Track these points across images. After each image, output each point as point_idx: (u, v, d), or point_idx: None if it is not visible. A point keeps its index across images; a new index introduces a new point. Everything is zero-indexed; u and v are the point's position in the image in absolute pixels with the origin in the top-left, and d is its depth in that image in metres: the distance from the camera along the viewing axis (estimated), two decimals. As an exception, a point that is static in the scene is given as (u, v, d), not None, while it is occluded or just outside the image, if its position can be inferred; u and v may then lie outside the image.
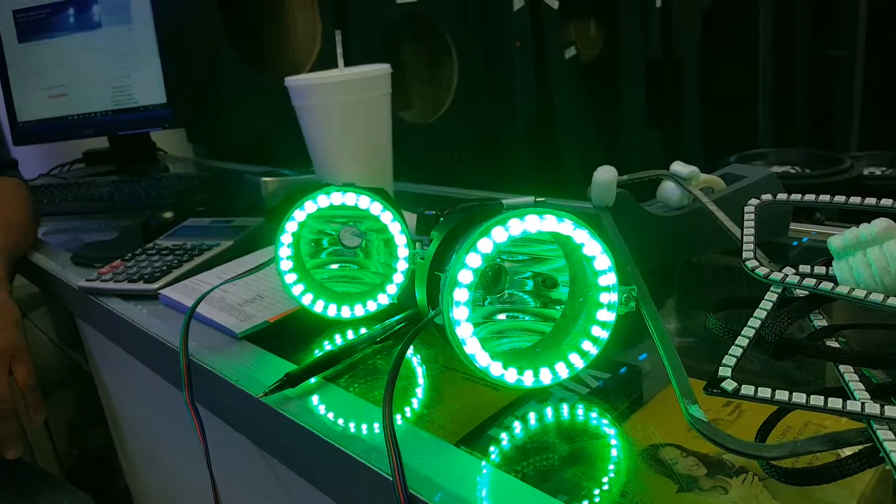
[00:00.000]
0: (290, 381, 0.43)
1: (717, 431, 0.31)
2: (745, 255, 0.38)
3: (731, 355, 0.33)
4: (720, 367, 0.33)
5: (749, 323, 0.35)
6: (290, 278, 0.51)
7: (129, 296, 0.64)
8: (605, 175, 0.50)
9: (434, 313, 0.40)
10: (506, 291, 0.44)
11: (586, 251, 0.39)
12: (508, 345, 0.44)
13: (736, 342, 0.34)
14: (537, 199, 0.72)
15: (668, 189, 0.55)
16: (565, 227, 0.38)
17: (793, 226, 0.60)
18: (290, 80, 0.74)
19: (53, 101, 1.24)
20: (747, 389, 0.31)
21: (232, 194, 0.90)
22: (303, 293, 0.51)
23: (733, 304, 0.39)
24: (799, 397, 0.30)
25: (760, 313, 0.35)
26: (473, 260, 0.38)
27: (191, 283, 0.62)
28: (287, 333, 0.53)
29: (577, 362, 0.40)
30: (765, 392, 0.31)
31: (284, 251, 0.51)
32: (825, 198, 0.41)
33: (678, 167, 0.54)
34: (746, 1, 2.19)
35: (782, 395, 0.31)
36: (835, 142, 2.21)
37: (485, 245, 0.38)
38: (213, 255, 0.68)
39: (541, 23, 1.83)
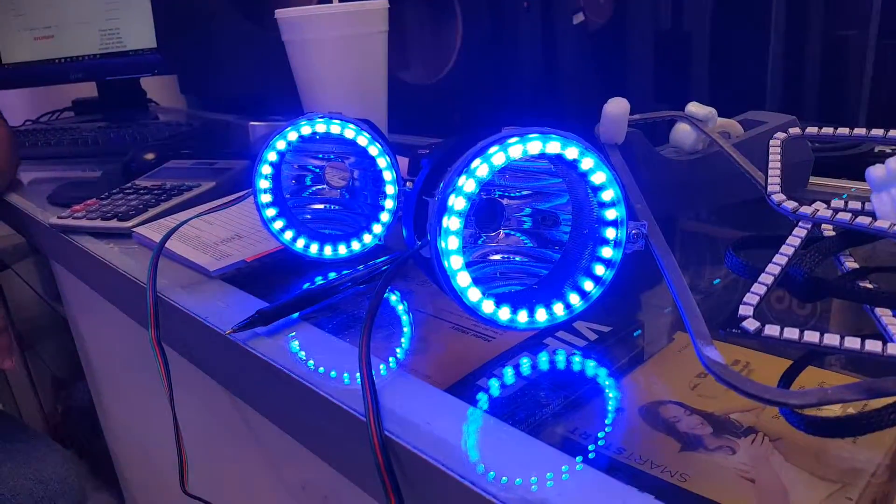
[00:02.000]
0: (262, 318, 0.39)
1: (737, 375, 0.27)
2: (770, 188, 0.34)
3: (753, 293, 0.30)
4: (741, 306, 0.30)
5: (774, 259, 0.31)
6: (270, 212, 0.47)
7: (102, 234, 0.61)
8: (616, 108, 0.45)
9: (421, 244, 0.36)
10: (502, 230, 0.40)
11: (592, 179, 0.35)
12: (503, 288, 0.40)
13: (759, 279, 0.30)
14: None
15: (683, 132, 0.51)
16: (571, 149, 0.34)
17: (812, 179, 0.56)
18: (281, 13, 0.69)
19: (39, 44, 1.19)
20: (772, 330, 0.28)
21: (220, 142, 0.86)
22: (282, 230, 0.47)
23: (756, 243, 0.35)
24: (831, 338, 0.27)
25: (787, 250, 0.31)
26: (467, 184, 0.34)
27: (167, 221, 0.58)
28: (265, 274, 0.49)
29: (577, 303, 0.37)
30: (792, 332, 0.27)
31: (264, 183, 0.47)
32: (855, 131, 0.37)
33: (694, 108, 0.50)
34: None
35: (812, 336, 0.27)
36: (843, 120, 2.15)
37: (480, 168, 0.34)
38: (192, 195, 0.63)
39: (550, -16, 1.77)
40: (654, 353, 0.38)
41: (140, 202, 0.63)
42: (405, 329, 0.41)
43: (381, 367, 0.36)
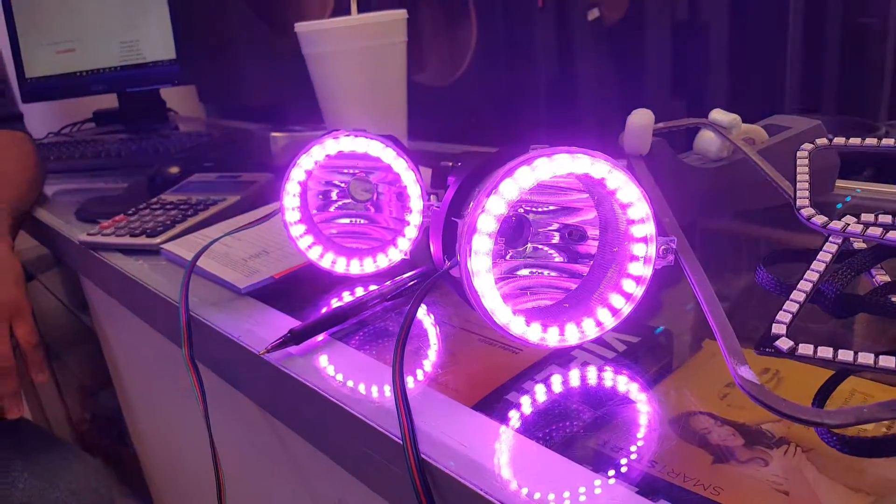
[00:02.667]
0: (294, 337, 0.40)
1: (772, 395, 0.27)
2: (799, 202, 0.34)
3: (785, 311, 0.30)
4: (773, 325, 0.30)
5: (805, 276, 0.31)
6: (297, 230, 0.48)
7: (132, 251, 0.62)
8: (641, 119, 0.45)
9: (450, 264, 0.36)
10: (529, 244, 0.40)
11: (620, 197, 0.35)
12: (532, 303, 0.40)
13: (791, 297, 0.30)
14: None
15: (707, 139, 0.50)
16: (599, 168, 0.34)
17: (838, 182, 0.55)
18: (301, 26, 0.70)
19: (61, 57, 1.21)
20: (805, 349, 0.28)
21: (242, 152, 0.87)
22: (310, 246, 0.48)
23: (786, 257, 0.35)
24: (866, 357, 0.27)
25: (818, 266, 0.31)
26: (495, 205, 0.34)
27: (194, 237, 0.59)
28: (293, 290, 0.49)
29: (608, 320, 0.37)
30: (825, 351, 0.27)
31: (290, 201, 0.47)
32: (883, 142, 0.37)
33: (718, 115, 0.50)
34: (778, -38, 2.09)
35: (846, 354, 0.27)
36: (863, 109, 2.12)
37: (508, 188, 0.34)
38: (218, 209, 0.64)
39: (563, -18, 1.76)
40: (684, 362, 0.38)
41: (167, 218, 0.64)
42: (433, 343, 0.42)
43: (410, 380, 0.36)
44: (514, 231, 0.40)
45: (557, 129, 1.80)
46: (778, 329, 0.29)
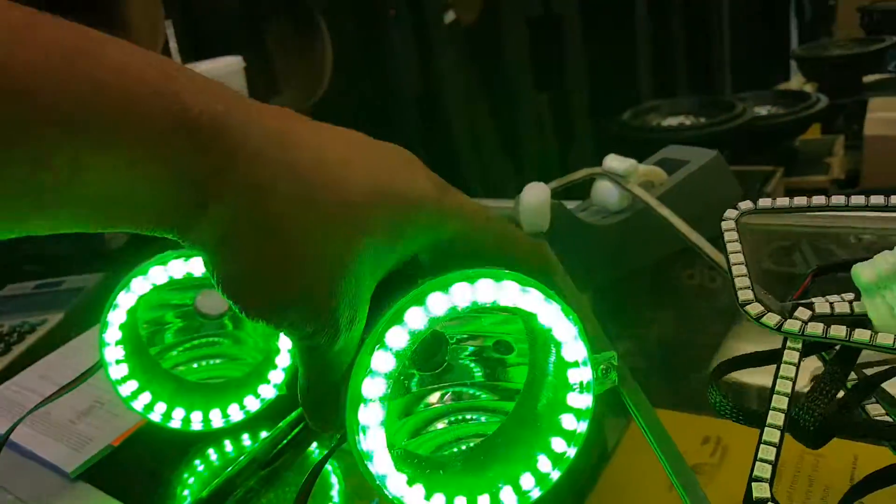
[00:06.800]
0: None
1: None
2: (740, 294, 0.28)
3: (763, 460, 0.23)
4: (753, 483, 0.23)
5: (773, 403, 0.25)
6: (129, 387, 0.37)
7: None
8: (537, 196, 0.38)
9: (336, 443, 0.28)
10: (446, 361, 0.32)
11: (542, 321, 0.27)
12: (448, 447, 0.32)
13: (764, 437, 0.24)
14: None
15: (605, 190, 0.44)
16: (507, 293, 0.27)
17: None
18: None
19: None
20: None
21: (65, 244, 0.72)
22: (152, 402, 0.37)
23: (739, 364, 0.29)
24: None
25: (784, 385, 0.25)
26: (383, 362, 0.26)
27: (7, 390, 0.46)
28: (140, 459, 0.39)
29: (547, 468, 0.29)
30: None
31: (114, 352, 0.36)
32: (812, 200, 0.32)
33: (614, 163, 0.43)
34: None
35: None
36: (713, 87, 2.22)
37: (396, 337, 0.26)
38: (35, 339, 0.51)
39: (413, -14, 1.69)
40: (617, 443, 0.34)
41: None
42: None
43: None
44: (427, 352, 0.31)
45: (428, 147, 1.73)
46: (760, 491, 0.23)
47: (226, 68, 0.58)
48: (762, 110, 1.41)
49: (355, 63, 1.62)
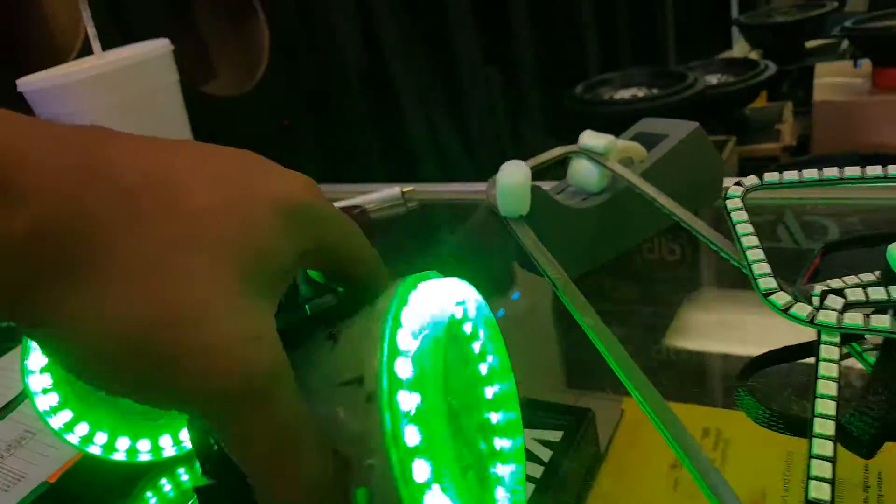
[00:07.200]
0: None
1: None
2: (761, 283, 0.25)
3: (818, 479, 0.21)
4: (811, 485, 0.21)
5: (818, 408, 0.22)
6: (62, 418, 0.32)
7: None
8: (517, 177, 0.35)
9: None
10: None
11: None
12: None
13: (815, 450, 0.21)
14: (405, 190, 0.57)
15: (584, 170, 0.41)
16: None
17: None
18: (26, 84, 0.51)
19: None
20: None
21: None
22: (91, 433, 0.33)
23: (770, 361, 0.26)
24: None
25: (827, 387, 0.23)
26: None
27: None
28: (81, 497, 0.34)
29: None
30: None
31: (39, 381, 0.31)
32: (823, 173, 0.29)
33: (591, 140, 0.40)
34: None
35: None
36: (658, 56, 2.23)
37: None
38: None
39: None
40: (610, 440, 0.32)
41: None
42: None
43: None
44: None
45: (378, 126, 1.68)
46: (820, 493, 0.21)
47: (152, 52, 0.53)
48: (712, 79, 1.41)
49: (296, 39, 1.55)
